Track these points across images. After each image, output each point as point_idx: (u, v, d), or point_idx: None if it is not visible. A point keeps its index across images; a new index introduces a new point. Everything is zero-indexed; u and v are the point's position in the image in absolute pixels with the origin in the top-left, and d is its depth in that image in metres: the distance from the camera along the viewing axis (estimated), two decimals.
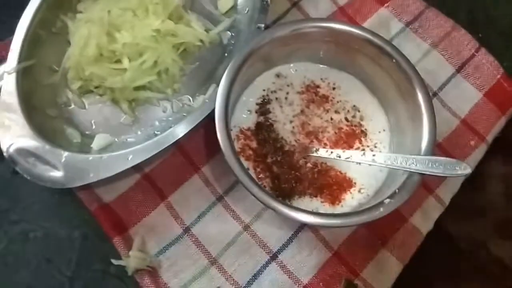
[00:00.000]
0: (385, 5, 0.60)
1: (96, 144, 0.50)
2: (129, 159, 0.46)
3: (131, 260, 0.46)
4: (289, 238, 0.50)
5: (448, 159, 0.43)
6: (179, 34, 0.52)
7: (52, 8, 0.53)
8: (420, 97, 0.46)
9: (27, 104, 0.49)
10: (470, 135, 0.55)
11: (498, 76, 0.57)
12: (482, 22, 0.62)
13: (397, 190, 0.43)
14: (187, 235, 0.49)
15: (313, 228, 0.50)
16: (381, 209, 0.42)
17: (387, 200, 0.43)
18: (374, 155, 0.47)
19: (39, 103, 0.51)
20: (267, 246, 0.50)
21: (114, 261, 0.47)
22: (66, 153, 0.46)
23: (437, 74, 0.57)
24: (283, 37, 0.48)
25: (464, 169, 0.42)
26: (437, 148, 0.54)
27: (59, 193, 0.50)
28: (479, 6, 0.63)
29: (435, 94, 0.56)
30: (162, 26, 0.50)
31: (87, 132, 0.52)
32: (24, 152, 0.46)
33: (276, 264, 0.49)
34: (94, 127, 0.52)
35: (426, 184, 0.52)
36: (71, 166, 0.46)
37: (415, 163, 0.43)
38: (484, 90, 0.57)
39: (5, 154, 0.46)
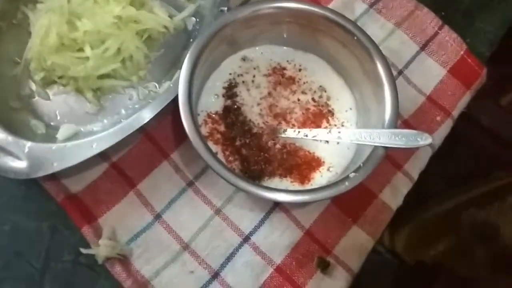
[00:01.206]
0: None
1: (61, 134, 0.49)
2: (94, 146, 0.45)
3: (101, 249, 0.46)
4: (261, 219, 0.50)
5: (410, 130, 0.44)
6: (142, 20, 0.52)
7: None
8: (381, 72, 0.47)
9: None
10: (436, 110, 0.56)
11: (462, 52, 0.58)
12: (445, 0, 0.62)
13: (361, 164, 0.44)
14: (158, 222, 0.49)
15: (284, 208, 0.50)
16: (347, 183, 0.43)
17: (352, 174, 0.43)
18: (339, 132, 0.47)
19: (2, 96, 0.50)
20: (239, 228, 0.50)
21: (83, 250, 0.46)
22: (29, 143, 0.45)
23: (402, 53, 0.58)
24: (244, 19, 0.48)
25: (426, 139, 0.43)
26: (404, 124, 0.55)
27: (25, 186, 0.49)
28: None
29: (400, 72, 0.57)
30: (123, 12, 0.50)
31: (52, 123, 0.51)
32: None
33: (249, 246, 0.49)
34: (59, 117, 0.51)
35: (394, 160, 0.53)
36: (35, 156, 0.45)
37: (378, 137, 0.44)
38: (448, 67, 0.58)
39: None
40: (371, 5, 0.60)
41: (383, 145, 0.44)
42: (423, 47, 0.59)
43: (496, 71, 0.60)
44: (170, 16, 0.55)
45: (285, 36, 0.52)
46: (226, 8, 0.52)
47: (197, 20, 0.56)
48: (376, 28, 0.59)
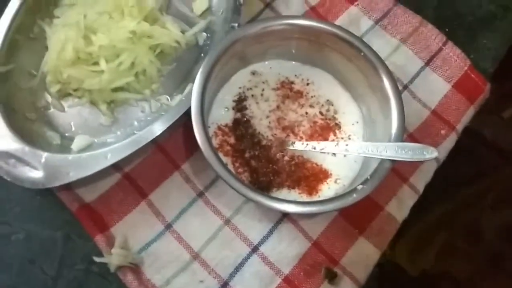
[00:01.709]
0: (355, 3, 0.62)
1: (76, 145, 0.51)
2: (108, 157, 0.47)
3: (113, 258, 0.47)
4: (269, 230, 0.51)
5: (416, 144, 0.45)
6: (155, 36, 0.53)
7: (30, 13, 0.54)
8: (387, 86, 0.48)
9: (7, 108, 0.50)
10: (440, 124, 0.57)
11: (465, 68, 0.60)
12: (449, 17, 0.64)
13: (369, 177, 0.45)
14: (169, 232, 0.50)
15: (292, 219, 0.51)
16: (354, 195, 0.44)
17: (360, 187, 0.44)
18: (347, 145, 0.48)
19: (19, 107, 0.51)
20: (248, 239, 0.51)
21: (96, 259, 0.47)
22: (45, 154, 0.47)
23: (407, 68, 0.59)
24: (255, 35, 0.50)
25: (431, 153, 0.44)
26: (409, 138, 0.56)
27: (40, 195, 0.51)
28: (445, 2, 0.65)
29: (405, 87, 0.58)
30: (138, 27, 0.52)
31: (66, 134, 0.52)
32: (3, 154, 0.47)
33: (258, 256, 0.50)
34: (73, 129, 0.53)
35: (400, 173, 0.54)
36: (51, 166, 0.46)
37: (385, 150, 0.45)
38: (452, 82, 0.59)
39: None
40: (376, 22, 0.62)
41: (389, 158, 0.45)
42: (427, 63, 0.60)
43: (499, 86, 0.61)
44: (182, 32, 0.56)
45: (293, 51, 0.54)
46: (237, 25, 0.53)
47: (208, 35, 0.57)
48: (382, 43, 0.60)
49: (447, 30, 0.62)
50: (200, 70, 0.47)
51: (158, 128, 0.48)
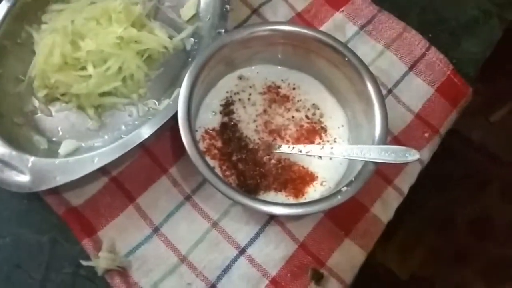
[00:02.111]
0: (340, 10, 0.64)
1: (63, 150, 0.51)
2: (95, 161, 0.47)
3: (101, 261, 0.47)
4: (257, 232, 0.52)
5: (398, 147, 0.46)
6: (143, 41, 0.54)
7: (17, 19, 0.54)
8: (371, 91, 0.49)
9: None
10: (424, 128, 0.58)
11: (448, 72, 0.61)
12: (432, 22, 0.65)
13: (353, 179, 0.45)
14: (156, 235, 0.51)
15: (279, 222, 0.52)
16: (339, 197, 0.44)
17: (344, 188, 0.45)
18: (332, 148, 0.49)
19: (6, 112, 0.52)
20: (235, 241, 0.51)
21: (83, 262, 0.47)
22: (32, 158, 0.47)
23: (391, 73, 0.61)
24: (241, 40, 0.51)
25: (414, 155, 0.45)
26: (394, 141, 0.57)
27: (27, 199, 0.51)
28: (428, 8, 0.66)
29: (389, 91, 0.60)
30: (125, 33, 0.52)
31: (54, 139, 0.53)
32: None
33: (245, 258, 0.50)
34: (61, 133, 0.53)
35: (385, 175, 0.55)
36: (38, 171, 0.47)
37: (369, 152, 0.46)
38: (435, 86, 0.60)
39: None
40: (361, 28, 0.63)
41: (373, 160, 0.46)
42: (411, 67, 0.61)
43: (485, 90, 0.63)
44: (170, 37, 0.57)
45: (279, 56, 0.55)
46: (223, 30, 0.54)
47: (196, 40, 0.58)
48: (367, 49, 0.62)
49: (430, 35, 0.63)
50: (187, 74, 0.48)
51: (145, 132, 0.49)
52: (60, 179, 0.46)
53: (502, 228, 1.01)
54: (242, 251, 0.51)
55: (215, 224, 0.52)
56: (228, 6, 0.55)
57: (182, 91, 0.47)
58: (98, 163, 0.47)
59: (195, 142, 0.46)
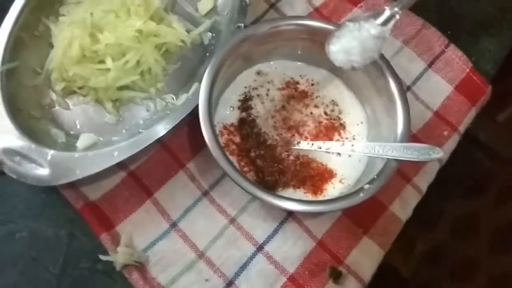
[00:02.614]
0: (358, 5, 0.63)
1: (81, 143, 0.51)
2: (115, 155, 0.47)
3: (119, 256, 0.47)
4: (274, 229, 0.51)
5: (421, 144, 0.45)
6: (161, 34, 0.53)
7: (35, 11, 0.54)
8: (394, 88, 0.48)
9: (12, 106, 0.49)
10: (443, 126, 0.58)
11: (467, 70, 0.60)
12: (451, 20, 0.65)
13: (375, 176, 0.45)
14: (174, 230, 0.50)
15: (297, 219, 0.52)
16: (361, 194, 0.44)
17: (367, 186, 0.44)
18: (352, 145, 0.49)
19: (24, 105, 0.51)
20: (253, 238, 0.51)
21: (102, 257, 0.47)
22: (52, 151, 0.47)
23: (410, 70, 0.60)
24: (262, 35, 0.50)
25: (437, 153, 0.44)
26: (413, 139, 0.56)
27: (45, 193, 0.51)
28: (447, 6, 0.66)
29: (408, 88, 0.59)
30: (144, 26, 0.52)
31: (72, 132, 0.52)
32: (10, 151, 0.46)
33: (263, 255, 0.50)
34: (78, 127, 0.53)
35: (404, 174, 0.54)
36: (57, 164, 0.46)
37: (391, 150, 0.46)
38: (454, 84, 0.60)
39: None
40: None
41: (396, 158, 0.45)
42: (430, 64, 0.61)
43: (494, 88, 0.62)
44: (188, 31, 0.56)
45: (299, 52, 0.54)
46: (242, 25, 0.53)
47: (213, 35, 0.58)
48: (385, 45, 0.60)
49: (449, 33, 0.63)
50: (208, 69, 0.48)
51: (164, 127, 0.48)
52: (80, 173, 0.46)
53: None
54: (260, 248, 0.50)
55: (232, 220, 0.51)
56: (247, 0, 0.54)
57: (203, 87, 0.47)
58: (117, 158, 0.46)
59: (216, 137, 0.46)
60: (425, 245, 0.81)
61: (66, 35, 0.51)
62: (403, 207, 0.53)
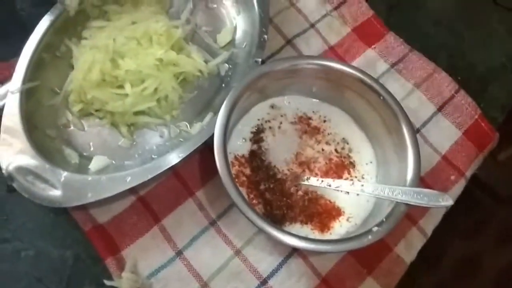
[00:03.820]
0: (372, 46, 0.65)
1: (93, 165, 0.51)
2: (128, 181, 0.47)
3: (124, 282, 0.47)
4: (279, 264, 0.51)
5: (431, 191, 0.46)
6: (180, 64, 0.55)
7: (58, 33, 0.55)
8: (405, 131, 0.49)
9: (29, 124, 0.50)
10: (450, 170, 0.58)
11: (476, 116, 0.62)
12: (461, 66, 0.66)
13: (384, 219, 0.45)
14: (179, 258, 0.50)
15: (302, 254, 0.52)
16: (370, 237, 0.44)
17: (375, 228, 0.45)
18: (362, 185, 0.49)
19: (40, 123, 0.52)
20: (257, 271, 0.51)
21: (107, 282, 0.47)
22: (65, 173, 0.47)
23: (420, 112, 0.61)
24: (280, 72, 0.51)
25: (447, 200, 0.45)
26: (420, 181, 0.57)
27: (53, 213, 0.51)
28: (458, 52, 0.68)
29: (417, 130, 0.60)
30: (165, 56, 0.53)
31: (85, 154, 0.53)
32: (23, 170, 0.47)
33: None
34: (92, 149, 0.53)
35: (410, 216, 0.55)
36: (70, 186, 0.47)
37: (401, 194, 0.46)
38: (463, 129, 0.61)
39: (4, 171, 0.47)
40: (392, 65, 0.64)
41: (405, 202, 0.46)
42: (439, 109, 0.62)
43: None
44: (205, 61, 0.58)
45: (313, 90, 0.55)
46: (260, 60, 0.55)
47: (230, 66, 0.59)
48: (396, 87, 0.62)
49: (459, 78, 0.64)
50: (225, 102, 0.49)
51: (178, 155, 0.49)
52: (92, 196, 0.46)
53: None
54: (264, 282, 0.50)
55: (238, 252, 0.51)
56: (266, 36, 0.56)
57: (220, 118, 0.48)
58: (130, 183, 0.47)
59: (228, 168, 0.46)
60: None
61: (88, 58, 0.52)
62: (408, 249, 0.54)
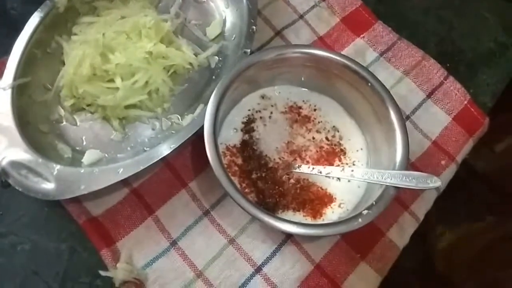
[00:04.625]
0: (361, 36, 0.65)
1: (86, 159, 0.52)
2: (120, 172, 0.48)
3: (119, 272, 0.47)
4: (273, 251, 0.52)
5: (420, 173, 0.46)
6: (170, 57, 0.55)
7: (48, 29, 0.55)
8: (394, 117, 0.50)
9: (21, 120, 0.50)
10: (441, 155, 0.59)
11: (465, 102, 0.62)
12: (450, 53, 0.67)
13: (374, 202, 0.46)
14: (174, 249, 0.51)
15: (295, 241, 0.52)
16: (360, 220, 0.45)
17: (365, 211, 0.45)
18: (352, 171, 0.50)
19: (33, 119, 0.52)
20: (251, 259, 0.51)
21: (102, 272, 0.47)
22: (58, 166, 0.47)
23: (409, 99, 0.62)
24: (268, 61, 0.52)
25: (435, 182, 0.45)
26: (411, 167, 0.57)
27: (48, 206, 0.51)
28: (446, 39, 0.68)
29: (407, 117, 0.61)
30: (154, 48, 0.54)
31: (77, 148, 0.53)
32: (17, 164, 0.47)
33: (261, 276, 0.51)
34: (84, 143, 0.54)
35: (402, 201, 0.55)
36: (63, 179, 0.47)
37: (390, 177, 0.47)
38: (452, 114, 0.61)
39: None
40: (381, 54, 0.64)
41: (394, 185, 0.46)
42: (429, 95, 0.62)
43: (492, 119, 0.63)
44: (195, 54, 0.58)
45: (303, 79, 0.56)
46: (249, 51, 0.55)
47: (220, 59, 0.59)
48: (386, 75, 0.63)
49: (448, 65, 0.65)
50: (214, 92, 0.49)
51: (169, 146, 0.49)
52: (85, 188, 0.46)
53: None
54: (258, 269, 0.51)
55: (232, 241, 0.52)
56: (254, 27, 0.56)
57: (209, 108, 0.48)
58: (122, 174, 0.47)
59: (219, 158, 0.47)
60: None
61: (78, 53, 0.53)
62: (400, 234, 0.54)
